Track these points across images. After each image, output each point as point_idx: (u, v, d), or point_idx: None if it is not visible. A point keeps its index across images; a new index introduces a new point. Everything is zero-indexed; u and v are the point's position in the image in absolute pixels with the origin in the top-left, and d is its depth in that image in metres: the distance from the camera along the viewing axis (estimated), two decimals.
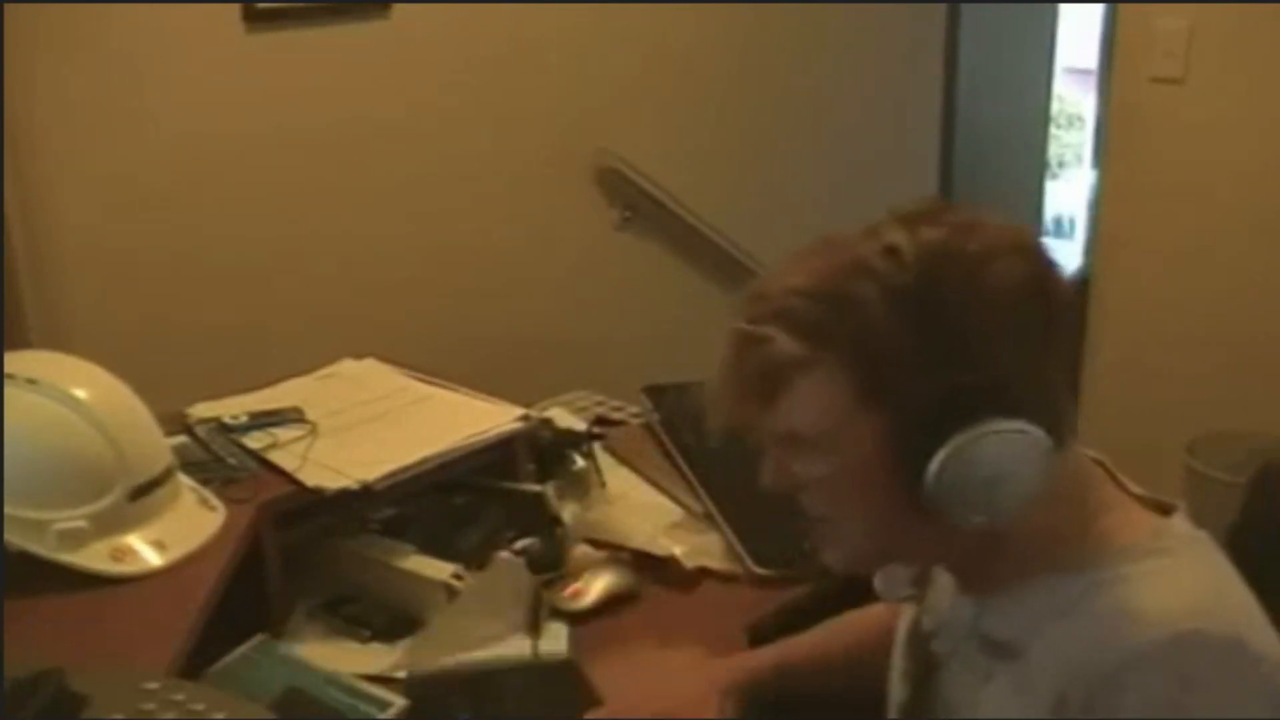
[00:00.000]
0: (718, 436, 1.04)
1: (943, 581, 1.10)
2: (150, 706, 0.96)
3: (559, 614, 1.50)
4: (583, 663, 1.42)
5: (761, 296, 0.98)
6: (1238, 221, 2.81)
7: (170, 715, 0.95)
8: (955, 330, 0.91)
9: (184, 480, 1.43)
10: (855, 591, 1.63)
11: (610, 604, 1.53)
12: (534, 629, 1.45)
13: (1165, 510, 1.01)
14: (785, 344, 0.94)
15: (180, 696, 0.97)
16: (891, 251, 0.93)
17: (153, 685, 0.98)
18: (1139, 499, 1.02)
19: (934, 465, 0.90)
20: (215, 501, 1.44)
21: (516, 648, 1.44)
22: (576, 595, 1.52)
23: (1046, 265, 0.98)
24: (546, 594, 1.52)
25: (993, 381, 0.91)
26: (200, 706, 0.97)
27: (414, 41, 2.38)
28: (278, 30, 2.20)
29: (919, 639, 1.11)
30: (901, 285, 0.91)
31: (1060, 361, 0.97)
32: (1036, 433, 0.91)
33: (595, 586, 1.54)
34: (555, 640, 1.45)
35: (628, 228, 2.83)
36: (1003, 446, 0.90)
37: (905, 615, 1.17)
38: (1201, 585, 0.94)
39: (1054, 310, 0.96)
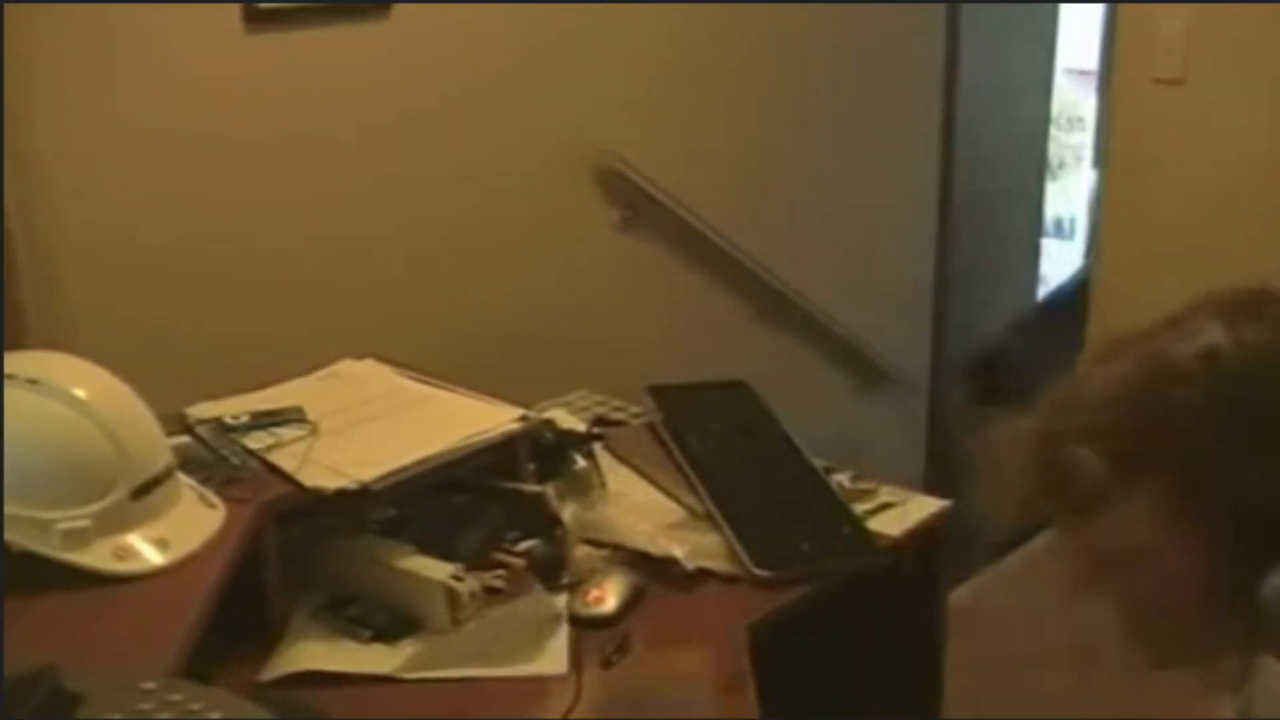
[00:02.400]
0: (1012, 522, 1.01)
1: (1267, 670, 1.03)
2: (147, 706, 0.96)
3: (578, 620, 1.50)
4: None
5: (1068, 408, 0.91)
6: (1238, 221, 2.81)
7: (167, 715, 0.95)
8: None
9: (183, 479, 1.44)
10: (856, 594, 1.64)
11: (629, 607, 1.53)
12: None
13: None
14: (1099, 466, 0.88)
15: (178, 696, 0.97)
16: (1210, 356, 0.86)
17: (150, 685, 0.98)
18: None
19: (1267, 587, 0.84)
20: (215, 499, 1.44)
21: (515, 668, 1.44)
22: (598, 601, 1.52)
23: None
24: (563, 600, 1.53)
25: None
26: (197, 706, 0.97)
27: (414, 41, 2.38)
28: (278, 30, 2.20)
29: None
30: (1224, 395, 0.85)
31: None
32: None
33: (613, 591, 1.54)
34: (555, 662, 1.45)
35: (628, 228, 2.83)
36: None
37: (1226, 706, 1.09)
38: None
39: None
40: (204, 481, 1.47)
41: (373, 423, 1.65)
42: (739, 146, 3.02)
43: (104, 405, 1.34)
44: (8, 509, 1.27)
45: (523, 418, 1.67)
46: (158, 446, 1.41)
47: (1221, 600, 0.88)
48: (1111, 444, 0.88)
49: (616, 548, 1.63)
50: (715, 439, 1.86)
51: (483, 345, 2.43)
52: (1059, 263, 4.96)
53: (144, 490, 1.35)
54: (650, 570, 1.59)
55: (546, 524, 1.64)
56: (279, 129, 2.25)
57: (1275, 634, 0.87)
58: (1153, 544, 0.89)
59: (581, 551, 1.62)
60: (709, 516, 1.70)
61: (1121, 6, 2.96)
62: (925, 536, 1.74)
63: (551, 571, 1.58)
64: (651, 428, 1.93)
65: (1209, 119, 2.80)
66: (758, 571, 1.58)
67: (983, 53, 3.74)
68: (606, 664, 1.42)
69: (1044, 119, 4.55)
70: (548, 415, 1.88)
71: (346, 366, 1.83)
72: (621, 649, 1.45)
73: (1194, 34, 2.76)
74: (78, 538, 1.29)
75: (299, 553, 1.53)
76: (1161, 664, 1.00)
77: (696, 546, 1.63)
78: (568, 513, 1.68)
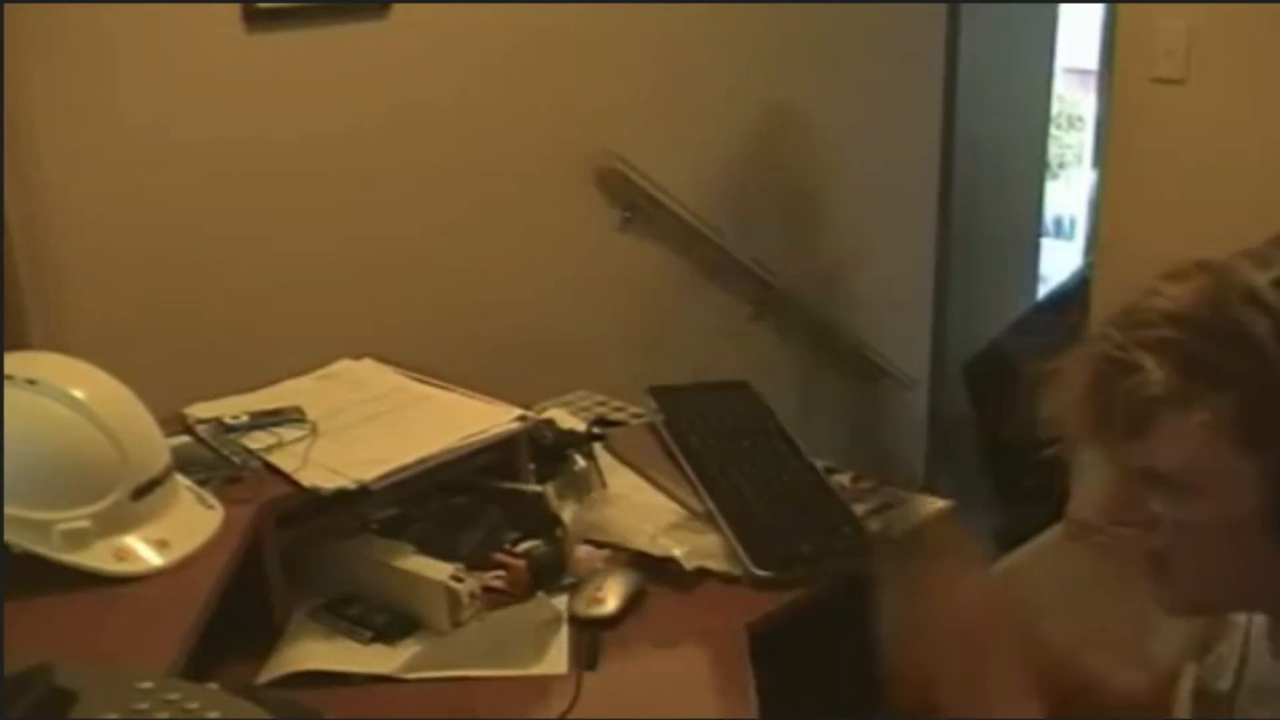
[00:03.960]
0: (1065, 451, 0.93)
1: (1237, 640, 1.02)
2: (144, 705, 0.96)
3: (579, 621, 1.50)
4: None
5: (1136, 318, 0.88)
6: (1238, 222, 2.81)
7: (164, 715, 0.95)
8: None
9: (181, 480, 1.43)
10: (856, 594, 1.64)
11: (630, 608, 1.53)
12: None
13: None
14: (1163, 377, 0.85)
15: (174, 695, 0.97)
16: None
17: (147, 684, 0.98)
18: None
19: None
20: (213, 500, 1.44)
21: (515, 669, 1.44)
22: (599, 602, 1.52)
23: None
24: (563, 600, 1.53)
25: None
26: (194, 705, 0.97)
27: (413, 41, 2.38)
28: (278, 30, 2.20)
29: (1212, 700, 1.03)
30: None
31: None
32: None
33: (614, 591, 1.54)
34: (555, 663, 1.45)
35: (628, 228, 2.83)
36: None
37: (1186, 675, 1.07)
38: None
39: None
40: (203, 482, 1.47)
41: (372, 423, 1.65)
42: (739, 147, 3.02)
43: (103, 406, 1.34)
44: (7, 510, 1.27)
45: (522, 418, 1.67)
46: (157, 447, 1.40)
47: (1265, 543, 0.86)
48: (1178, 356, 0.85)
49: (616, 548, 1.63)
50: (715, 439, 1.86)
51: (483, 345, 2.43)
52: (1059, 262, 4.96)
53: (143, 491, 1.35)
54: (650, 570, 1.59)
55: (546, 524, 1.64)
56: (278, 129, 2.25)
57: None
58: (1206, 468, 0.86)
59: (581, 552, 1.62)
60: (709, 517, 1.70)
61: (1121, 6, 2.96)
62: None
63: (551, 572, 1.58)
64: (651, 428, 1.93)
65: (1208, 118, 2.80)
66: (758, 572, 1.58)
67: (983, 53, 3.74)
68: (588, 666, 1.42)
69: (1044, 118, 4.55)
70: (547, 415, 1.88)
71: (346, 366, 1.83)
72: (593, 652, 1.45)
73: (1194, 34, 2.75)
74: (77, 538, 1.29)
75: (299, 553, 1.53)
76: (1183, 606, 0.97)
77: (696, 547, 1.63)
78: (568, 513, 1.68)
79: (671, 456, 1.84)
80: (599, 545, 1.63)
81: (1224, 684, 1.01)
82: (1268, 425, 0.84)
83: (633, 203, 2.81)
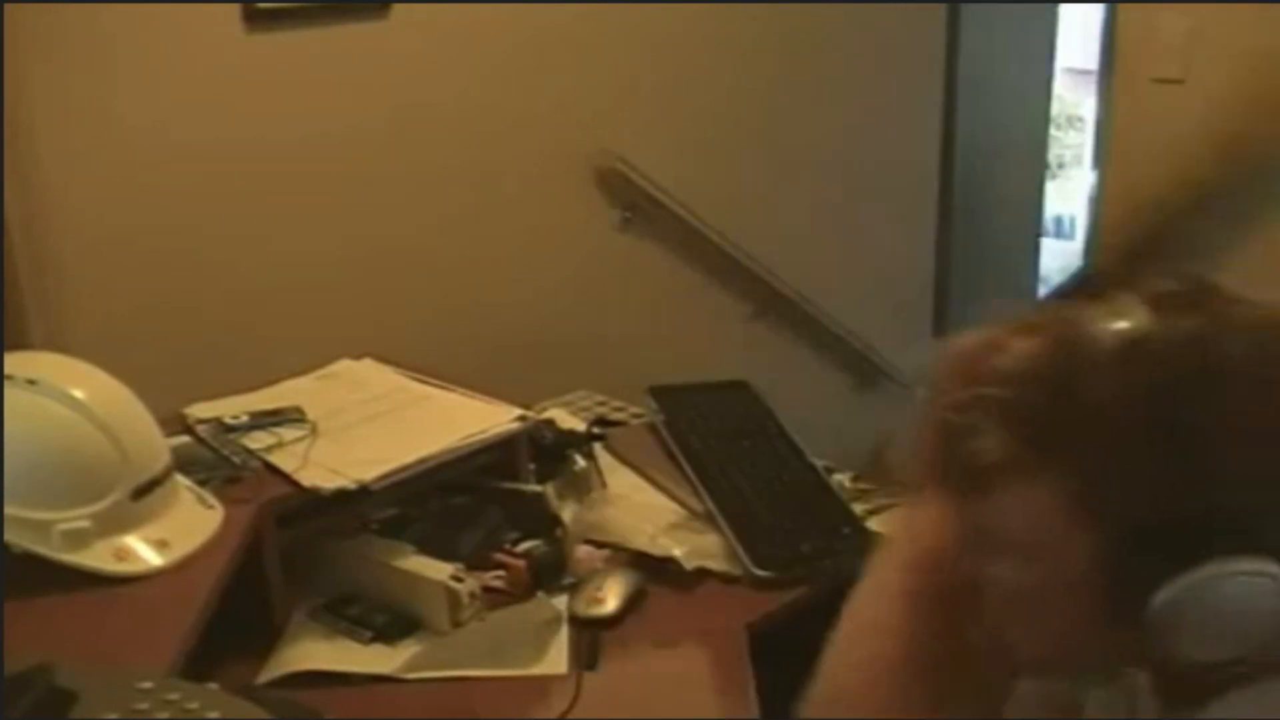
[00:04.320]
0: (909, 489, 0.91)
1: (1120, 697, 0.96)
2: (144, 705, 0.96)
3: (579, 621, 1.50)
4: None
5: (972, 374, 0.84)
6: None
7: (163, 715, 0.95)
8: (1201, 448, 0.77)
9: (181, 480, 1.43)
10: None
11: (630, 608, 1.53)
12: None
13: None
14: (1000, 443, 0.81)
15: (174, 695, 0.97)
16: (1132, 345, 0.79)
17: (146, 684, 0.98)
18: None
19: (1157, 601, 0.79)
20: (213, 500, 1.44)
21: (515, 669, 1.44)
22: (599, 602, 1.52)
23: None
24: (563, 600, 1.53)
25: (1242, 513, 0.78)
26: (194, 705, 0.97)
27: (413, 41, 2.38)
28: (278, 30, 2.20)
29: None
30: (1143, 386, 0.78)
31: None
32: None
33: (614, 591, 1.54)
34: (555, 663, 1.45)
35: (628, 228, 2.83)
36: (1243, 589, 0.78)
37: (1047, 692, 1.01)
38: None
39: None
40: (203, 482, 1.47)
41: (372, 423, 1.65)
42: (739, 146, 3.02)
43: (103, 406, 1.34)
44: (7, 510, 1.27)
45: (522, 418, 1.67)
46: (156, 447, 1.40)
47: (1108, 608, 0.82)
48: (1019, 422, 0.81)
49: (616, 548, 1.63)
50: (715, 439, 1.86)
51: (483, 345, 2.43)
52: (1059, 262, 4.96)
53: (143, 491, 1.35)
54: (650, 570, 1.59)
55: (546, 524, 1.64)
56: (278, 129, 2.25)
57: (1159, 652, 0.81)
58: (1042, 541, 0.83)
59: (581, 552, 1.62)
60: (709, 516, 1.70)
61: (1121, 6, 2.96)
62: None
63: (551, 572, 1.58)
64: (651, 428, 1.93)
65: (1208, 119, 2.80)
66: (758, 572, 1.58)
67: (983, 53, 3.73)
68: (588, 666, 1.42)
69: (1044, 119, 4.54)
70: (547, 415, 1.88)
71: (345, 366, 1.83)
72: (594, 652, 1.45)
73: (1194, 34, 2.75)
74: (77, 538, 1.29)
75: (299, 553, 1.53)
76: (1029, 667, 0.94)
77: (696, 547, 1.63)
78: (567, 513, 1.68)
79: (671, 456, 1.84)
80: (599, 545, 1.63)
81: (1093, 711, 0.98)
82: (1107, 499, 0.80)
83: (633, 203, 2.81)
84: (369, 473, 1.49)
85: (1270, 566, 0.78)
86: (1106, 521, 0.80)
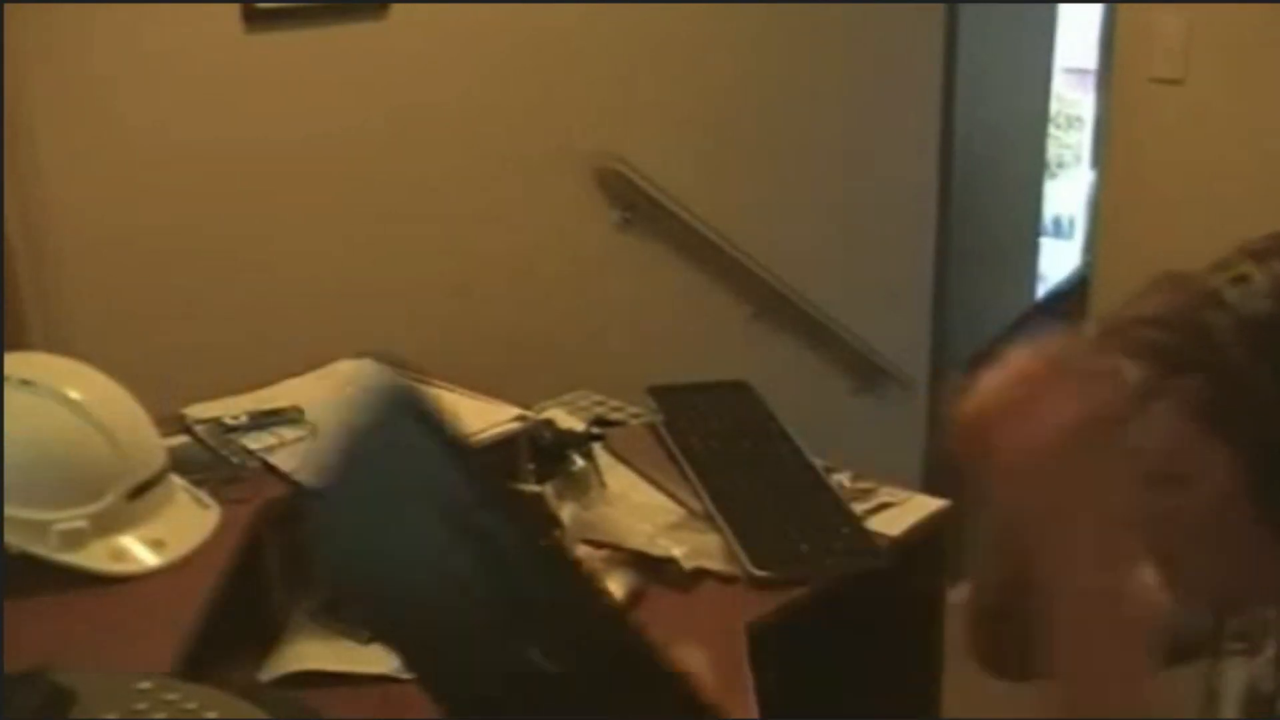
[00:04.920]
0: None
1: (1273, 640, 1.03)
2: (142, 706, 0.96)
3: None
4: None
5: (1110, 330, 0.94)
6: (1238, 222, 2.80)
7: (162, 715, 0.95)
8: None
9: (177, 480, 1.43)
10: (855, 594, 1.64)
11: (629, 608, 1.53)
12: None
13: None
14: (1134, 372, 0.89)
15: (173, 695, 0.97)
16: (1242, 280, 0.91)
17: (145, 684, 0.98)
18: None
19: None
20: (209, 500, 1.44)
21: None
22: None
23: None
24: None
25: None
26: (193, 705, 0.97)
27: (413, 41, 2.38)
28: (278, 30, 2.20)
29: (1260, 701, 1.03)
30: (1254, 314, 0.89)
31: None
32: None
33: (614, 591, 1.54)
34: None
35: (628, 228, 2.83)
36: None
37: (1237, 670, 1.07)
38: None
39: None
40: (200, 482, 1.47)
41: None
42: (738, 147, 3.02)
43: (99, 406, 1.34)
44: (5, 510, 1.27)
45: (521, 417, 1.67)
46: (153, 447, 1.40)
47: (1252, 534, 0.89)
48: (1147, 354, 0.90)
49: (615, 548, 1.63)
50: (715, 439, 1.86)
51: (482, 345, 2.43)
52: (1058, 262, 4.97)
53: (140, 491, 1.35)
54: (649, 570, 1.59)
55: (545, 524, 1.63)
56: (278, 129, 2.25)
57: None
58: (1183, 459, 0.89)
59: (580, 552, 1.61)
60: (708, 517, 1.70)
61: (1120, 6, 2.96)
62: (925, 536, 1.73)
63: None
64: (651, 428, 1.93)
65: (1208, 119, 2.80)
66: (756, 572, 1.58)
67: (982, 52, 3.74)
68: None
69: (1043, 118, 4.55)
70: (547, 415, 1.88)
71: (344, 366, 1.83)
72: None
73: (1193, 34, 2.75)
74: (75, 539, 1.29)
75: (298, 553, 1.53)
76: (1195, 595, 0.96)
77: (696, 547, 1.63)
78: (566, 513, 1.68)
79: (671, 456, 1.84)
80: (598, 545, 1.63)
81: (1267, 685, 1.02)
82: (1237, 413, 0.88)
83: (633, 203, 2.81)
84: None
85: None
86: (1241, 435, 0.87)
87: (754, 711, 1.35)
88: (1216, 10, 2.70)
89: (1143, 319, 0.92)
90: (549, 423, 1.83)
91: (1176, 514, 0.91)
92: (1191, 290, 0.92)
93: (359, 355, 1.87)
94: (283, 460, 1.53)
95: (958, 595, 1.29)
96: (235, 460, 1.52)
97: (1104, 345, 0.92)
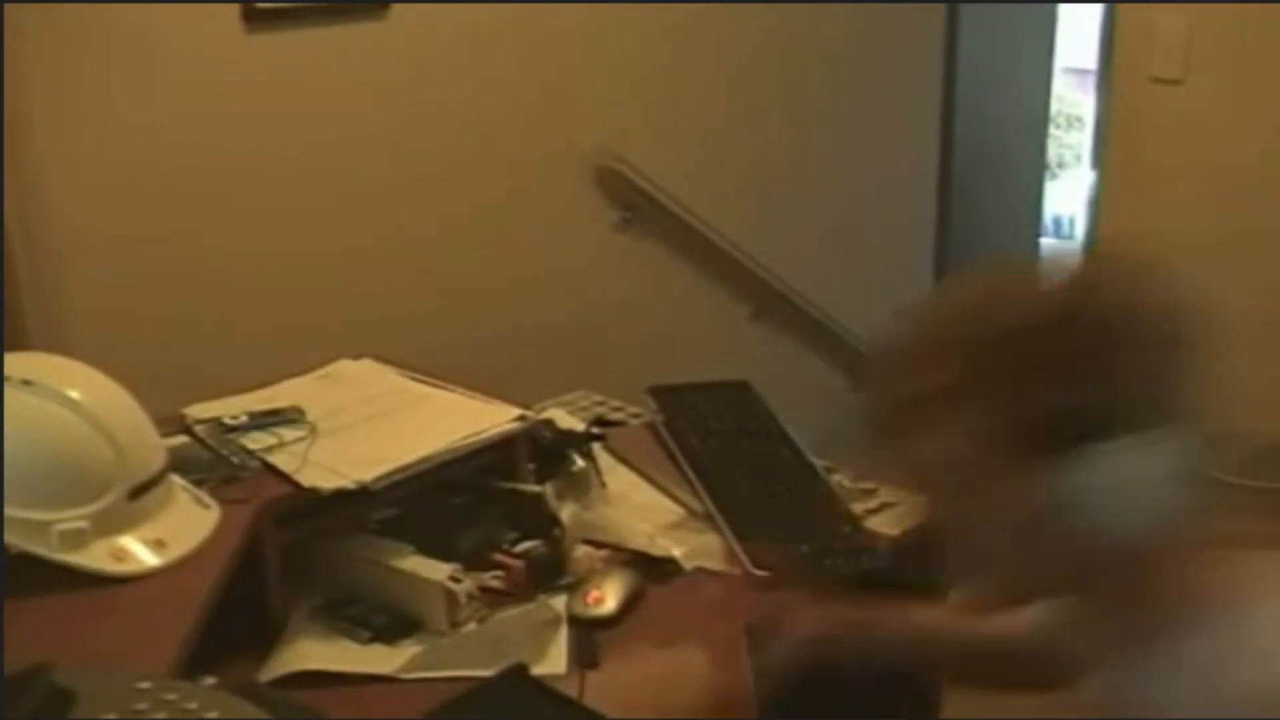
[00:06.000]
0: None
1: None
2: (143, 705, 0.96)
3: (579, 621, 1.50)
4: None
5: (893, 341, 1.03)
6: (1237, 221, 2.81)
7: (162, 714, 0.95)
8: (1086, 354, 0.94)
9: (177, 480, 1.43)
10: (856, 594, 1.63)
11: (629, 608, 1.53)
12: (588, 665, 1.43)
13: None
14: (928, 377, 0.98)
15: (173, 695, 0.97)
16: (1024, 284, 0.99)
17: (145, 684, 0.98)
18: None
19: (1063, 479, 0.94)
20: (209, 500, 1.44)
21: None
22: (599, 602, 1.52)
23: (1147, 299, 1.00)
24: (562, 600, 1.53)
25: (1121, 402, 0.94)
26: (193, 705, 0.97)
27: (413, 41, 2.38)
28: (278, 30, 2.20)
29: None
30: (1033, 317, 0.96)
31: (1193, 394, 0.99)
32: (1165, 450, 0.95)
33: (613, 591, 1.54)
34: (555, 663, 1.45)
35: (628, 228, 2.83)
36: (1133, 461, 0.94)
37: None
38: None
39: (1165, 337, 0.98)
40: (200, 482, 1.47)
41: (371, 423, 1.65)
42: (738, 146, 3.02)
43: (99, 406, 1.34)
44: (5, 510, 1.27)
45: (521, 418, 1.67)
46: (153, 447, 1.40)
47: (1033, 517, 0.96)
48: (956, 355, 0.97)
49: (616, 548, 1.63)
50: (715, 439, 1.86)
51: (482, 345, 2.43)
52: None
53: (140, 491, 1.35)
54: (649, 570, 1.59)
55: (545, 524, 1.64)
56: (278, 129, 2.25)
57: (1079, 553, 0.96)
58: (972, 458, 0.97)
59: (580, 552, 1.61)
60: (708, 516, 1.70)
61: (1120, 6, 2.96)
62: (925, 536, 1.73)
63: (550, 572, 1.57)
64: (651, 428, 1.93)
65: (1208, 119, 2.80)
66: (757, 572, 1.58)
67: (982, 53, 3.73)
68: (589, 666, 1.42)
69: (1043, 118, 4.54)
70: (547, 415, 1.88)
71: (345, 366, 1.83)
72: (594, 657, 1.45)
73: (1193, 34, 2.75)
74: (76, 539, 1.29)
75: (299, 553, 1.53)
76: (1010, 592, 1.09)
77: (695, 547, 1.63)
78: (566, 513, 1.68)
79: (671, 456, 1.84)
80: (598, 545, 1.63)
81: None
82: (1019, 407, 0.95)
83: (633, 203, 2.81)
84: (369, 473, 1.49)
85: (1154, 440, 0.94)
86: (1019, 429, 0.94)
87: (753, 713, 1.35)
88: (1216, 10, 2.70)
89: (926, 337, 1.00)
90: (549, 423, 1.83)
91: (967, 507, 1.01)
92: (978, 293, 1.00)
93: (359, 355, 1.87)
94: (283, 460, 1.53)
95: (958, 596, 1.32)
96: (235, 460, 1.52)
97: (899, 347, 1.01)
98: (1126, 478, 0.95)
